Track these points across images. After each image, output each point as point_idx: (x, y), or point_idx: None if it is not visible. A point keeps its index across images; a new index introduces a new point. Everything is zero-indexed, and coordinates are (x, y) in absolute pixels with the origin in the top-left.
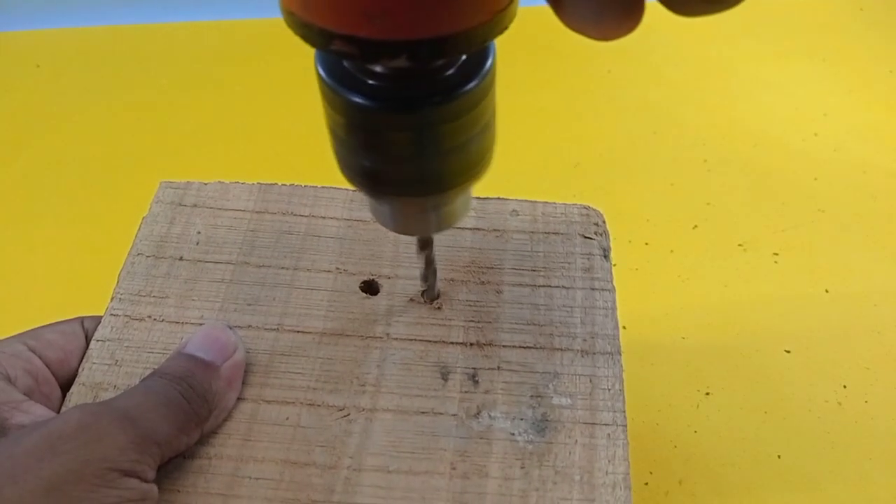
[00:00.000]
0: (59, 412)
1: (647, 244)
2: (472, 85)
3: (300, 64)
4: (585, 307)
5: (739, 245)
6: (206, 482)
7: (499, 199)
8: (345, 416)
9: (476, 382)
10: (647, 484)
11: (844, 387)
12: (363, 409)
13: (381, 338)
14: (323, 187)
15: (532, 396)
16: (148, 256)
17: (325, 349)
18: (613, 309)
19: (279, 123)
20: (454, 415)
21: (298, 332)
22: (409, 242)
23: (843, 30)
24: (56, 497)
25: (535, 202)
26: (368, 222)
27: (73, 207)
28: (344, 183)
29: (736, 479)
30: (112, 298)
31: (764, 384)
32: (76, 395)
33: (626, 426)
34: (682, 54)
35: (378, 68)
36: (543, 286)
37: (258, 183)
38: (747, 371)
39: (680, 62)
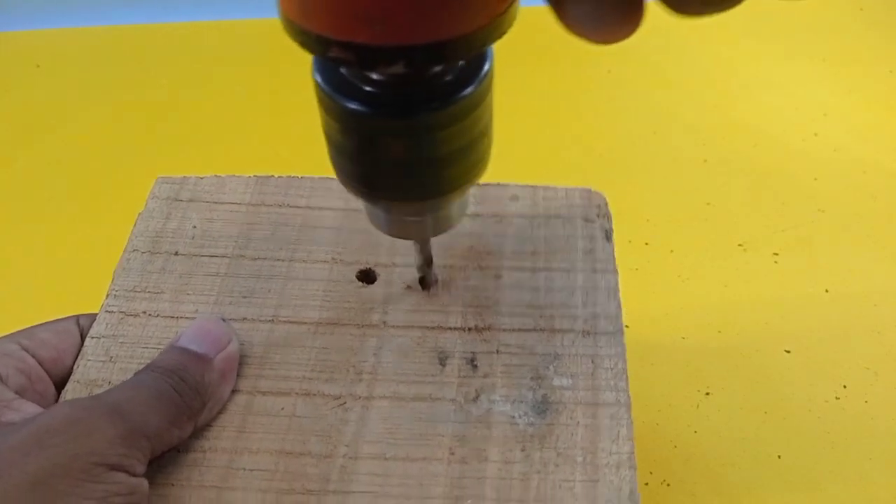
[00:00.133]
0: None
1: (647, 244)
2: (469, 90)
3: (300, 64)
4: (587, 289)
5: (739, 245)
6: (201, 475)
7: (498, 184)
8: (341, 405)
9: (475, 367)
10: (647, 484)
11: (844, 387)
12: (359, 398)
13: (377, 326)
14: (320, 178)
15: (532, 378)
16: (143, 252)
17: (320, 339)
18: (616, 290)
19: (279, 124)
20: (452, 400)
21: (294, 322)
22: None
23: (843, 30)
24: (41, 491)
25: (536, 187)
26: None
27: (72, 207)
28: None
29: (736, 479)
30: (107, 295)
31: (764, 384)
32: (71, 393)
33: (629, 405)
34: (682, 54)
35: (375, 75)
36: (544, 269)
37: (255, 175)
38: (747, 371)
39: (680, 62)
